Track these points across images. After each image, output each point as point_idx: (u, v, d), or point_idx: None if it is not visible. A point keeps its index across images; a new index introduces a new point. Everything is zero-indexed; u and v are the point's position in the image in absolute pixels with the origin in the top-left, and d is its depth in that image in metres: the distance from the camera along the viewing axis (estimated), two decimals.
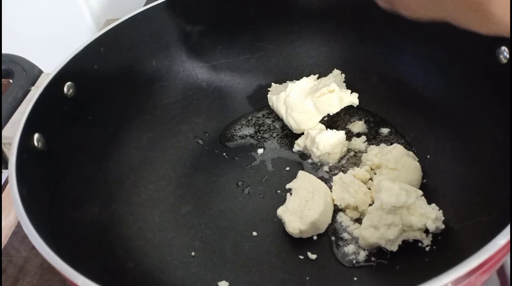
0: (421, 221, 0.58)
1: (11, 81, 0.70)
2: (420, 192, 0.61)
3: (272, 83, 0.83)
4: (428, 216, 0.58)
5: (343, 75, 0.80)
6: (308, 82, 0.78)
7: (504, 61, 0.59)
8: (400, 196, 0.58)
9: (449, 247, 0.57)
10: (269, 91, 0.82)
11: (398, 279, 0.58)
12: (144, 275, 0.61)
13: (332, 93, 0.74)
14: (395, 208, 0.58)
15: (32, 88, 0.67)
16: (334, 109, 0.75)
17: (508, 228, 0.41)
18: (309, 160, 0.74)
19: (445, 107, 0.70)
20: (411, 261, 0.59)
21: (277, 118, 0.81)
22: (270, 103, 0.80)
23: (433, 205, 0.60)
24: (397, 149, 0.68)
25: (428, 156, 0.69)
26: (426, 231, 0.59)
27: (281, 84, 0.82)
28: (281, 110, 0.78)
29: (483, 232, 0.53)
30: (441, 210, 0.60)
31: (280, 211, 0.64)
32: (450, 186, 0.64)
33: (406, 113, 0.75)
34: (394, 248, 0.59)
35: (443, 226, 0.59)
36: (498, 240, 0.40)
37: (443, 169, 0.67)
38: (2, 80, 0.71)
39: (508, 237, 0.41)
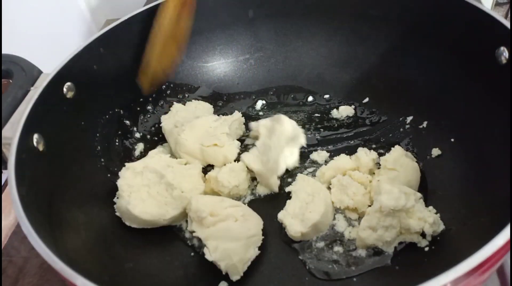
0: (419, 225, 0.58)
1: (10, 81, 0.70)
2: (419, 195, 0.61)
3: (175, 103, 0.80)
4: (426, 220, 0.58)
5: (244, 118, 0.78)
6: (204, 123, 0.74)
7: (504, 61, 0.59)
8: (399, 200, 0.58)
9: (448, 247, 0.57)
10: (170, 110, 0.79)
11: (398, 279, 0.58)
12: (144, 275, 0.61)
13: (220, 148, 0.72)
14: (394, 211, 0.58)
15: (32, 88, 0.67)
16: (218, 163, 0.72)
17: (508, 228, 0.41)
18: (308, 161, 0.74)
19: (445, 108, 0.70)
20: (410, 261, 0.59)
21: None
22: (163, 126, 0.77)
23: (431, 208, 0.61)
24: (396, 150, 0.68)
25: (428, 157, 0.69)
26: (423, 234, 0.59)
27: (184, 104, 0.80)
28: (171, 141, 0.75)
29: (483, 232, 0.53)
30: (438, 214, 0.60)
31: (281, 215, 0.64)
32: (449, 187, 0.64)
33: (405, 113, 0.75)
34: (390, 249, 0.60)
35: (440, 230, 0.59)
36: (497, 240, 0.41)
37: (443, 169, 0.67)
38: (2, 80, 0.71)
39: (508, 237, 0.41)
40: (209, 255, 0.58)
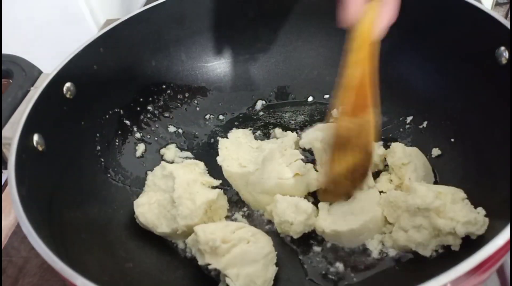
0: (448, 225, 0.54)
1: (10, 81, 0.70)
2: (462, 195, 0.58)
3: (219, 139, 0.75)
4: (459, 220, 0.54)
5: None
6: (273, 154, 0.68)
7: (504, 61, 0.59)
8: (425, 198, 0.55)
9: (448, 247, 0.57)
10: (219, 148, 0.72)
11: (398, 279, 0.58)
12: (143, 275, 0.61)
13: (301, 176, 0.66)
14: (421, 210, 0.56)
15: (32, 88, 0.67)
16: (301, 194, 0.66)
17: (508, 228, 0.41)
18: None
19: (444, 108, 0.70)
20: (410, 261, 0.59)
21: (277, 117, 0.81)
22: (225, 170, 0.70)
23: (480, 209, 0.55)
24: (396, 145, 0.68)
25: (428, 156, 0.69)
26: (467, 237, 0.54)
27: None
28: (239, 184, 0.70)
29: None
30: (482, 214, 0.54)
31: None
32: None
33: (405, 113, 0.75)
34: (427, 253, 0.57)
35: (480, 232, 0.53)
36: (497, 240, 0.41)
37: (442, 169, 0.67)
38: (2, 80, 0.71)
39: (508, 237, 0.41)
40: (233, 285, 0.55)
